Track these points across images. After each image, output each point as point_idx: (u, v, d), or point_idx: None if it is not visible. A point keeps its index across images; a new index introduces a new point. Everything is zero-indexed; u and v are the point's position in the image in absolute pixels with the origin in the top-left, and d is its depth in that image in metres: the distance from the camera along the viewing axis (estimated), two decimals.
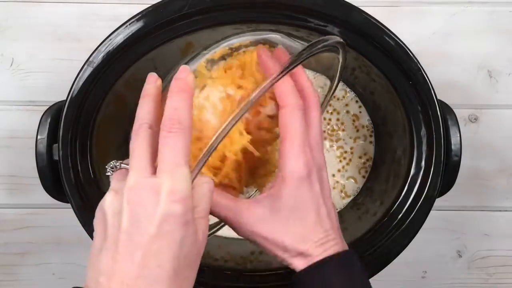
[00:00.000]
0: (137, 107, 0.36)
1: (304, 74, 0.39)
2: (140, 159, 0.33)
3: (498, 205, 0.63)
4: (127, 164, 0.34)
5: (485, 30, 0.63)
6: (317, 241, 0.37)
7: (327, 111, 0.57)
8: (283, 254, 0.38)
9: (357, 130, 0.57)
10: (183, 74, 0.35)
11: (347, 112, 0.57)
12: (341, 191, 0.57)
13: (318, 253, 0.37)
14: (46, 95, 0.61)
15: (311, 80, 0.39)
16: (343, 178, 0.58)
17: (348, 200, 0.57)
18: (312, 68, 0.57)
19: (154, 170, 0.32)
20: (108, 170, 0.36)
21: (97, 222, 0.34)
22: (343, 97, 0.57)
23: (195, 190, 0.33)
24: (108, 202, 0.33)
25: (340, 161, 0.57)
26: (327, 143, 0.57)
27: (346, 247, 0.38)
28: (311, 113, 0.39)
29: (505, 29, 0.62)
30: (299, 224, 0.37)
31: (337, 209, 0.56)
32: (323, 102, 0.46)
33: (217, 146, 0.32)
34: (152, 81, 0.38)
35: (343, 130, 0.57)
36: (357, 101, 0.57)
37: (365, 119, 0.57)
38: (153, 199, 0.31)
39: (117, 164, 0.35)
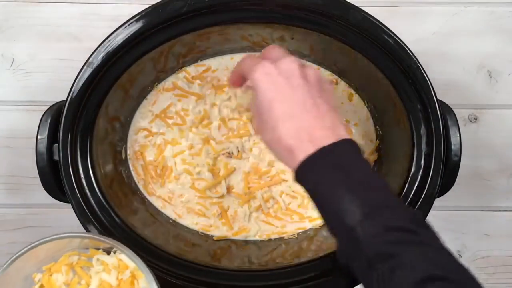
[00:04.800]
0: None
1: None
2: None
3: (498, 205, 0.63)
4: None
5: (485, 30, 0.63)
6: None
7: None
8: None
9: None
10: None
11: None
12: None
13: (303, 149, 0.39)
14: (46, 95, 0.61)
15: None
16: None
17: None
18: (313, 61, 0.57)
19: None
20: None
21: None
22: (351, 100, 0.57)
23: None
24: None
25: None
26: None
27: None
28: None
29: (505, 29, 0.62)
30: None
31: None
32: None
33: None
34: None
35: None
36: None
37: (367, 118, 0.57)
38: None
39: None
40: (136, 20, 0.47)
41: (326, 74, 0.57)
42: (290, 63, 0.41)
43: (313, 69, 0.42)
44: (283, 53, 0.43)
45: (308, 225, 0.56)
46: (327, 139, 0.39)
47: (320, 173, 0.38)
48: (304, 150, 0.39)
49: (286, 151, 0.40)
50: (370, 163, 0.40)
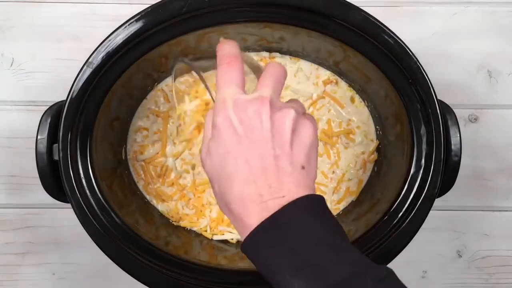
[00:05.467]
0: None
1: None
2: None
3: (498, 205, 0.63)
4: None
5: (485, 30, 0.63)
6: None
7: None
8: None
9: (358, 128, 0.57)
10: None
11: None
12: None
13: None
14: (46, 95, 0.61)
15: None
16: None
17: (349, 199, 0.57)
18: (313, 61, 0.57)
19: None
20: None
21: None
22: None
23: None
24: None
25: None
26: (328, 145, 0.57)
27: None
28: None
29: (505, 29, 0.62)
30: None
31: (339, 212, 0.57)
32: None
33: None
34: None
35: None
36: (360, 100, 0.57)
37: (367, 118, 0.57)
38: None
39: None
40: (136, 20, 0.47)
41: (327, 74, 0.57)
42: (260, 107, 0.34)
43: (289, 112, 0.35)
44: (239, 67, 0.37)
45: None
46: (277, 207, 0.33)
47: (262, 254, 0.33)
48: (250, 222, 0.33)
49: (234, 219, 0.35)
50: (330, 217, 0.35)
